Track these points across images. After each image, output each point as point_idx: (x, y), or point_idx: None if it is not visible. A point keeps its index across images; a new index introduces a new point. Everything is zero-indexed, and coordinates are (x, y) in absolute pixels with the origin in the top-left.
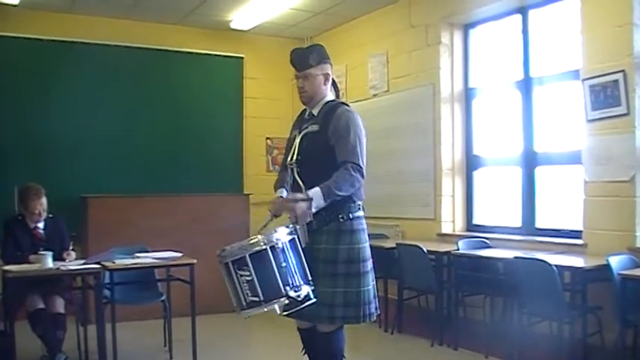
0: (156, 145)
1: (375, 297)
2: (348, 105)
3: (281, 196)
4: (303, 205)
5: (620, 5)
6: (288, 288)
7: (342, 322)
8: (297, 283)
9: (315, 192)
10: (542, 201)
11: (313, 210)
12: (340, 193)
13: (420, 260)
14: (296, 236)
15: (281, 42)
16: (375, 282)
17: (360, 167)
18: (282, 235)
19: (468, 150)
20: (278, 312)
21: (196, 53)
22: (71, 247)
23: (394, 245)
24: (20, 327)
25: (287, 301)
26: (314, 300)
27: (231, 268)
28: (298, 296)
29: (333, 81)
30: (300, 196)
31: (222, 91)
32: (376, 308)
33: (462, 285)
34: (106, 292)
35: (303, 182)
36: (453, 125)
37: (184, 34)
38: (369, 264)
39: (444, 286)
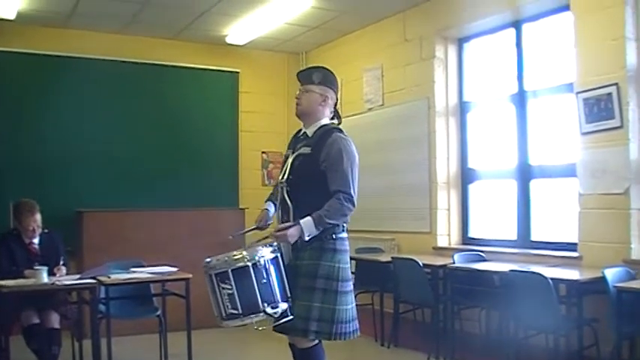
0: (151, 159)
1: (354, 319)
2: (342, 131)
3: (266, 209)
4: (293, 231)
5: (613, 19)
6: (266, 304)
7: (314, 337)
8: (276, 300)
9: (307, 221)
10: (538, 214)
11: (306, 238)
12: (331, 222)
13: (416, 274)
14: (279, 254)
15: (276, 56)
16: (355, 304)
17: (352, 196)
18: (265, 253)
19: (463, 163)
20: (255, 327)
21: (192, 68)
22: (62, 262)
23: (390, 259)
24: (15, 342)
25: (264, 317)
26: (290, 317)
27: (214, 280)
28: (275, 313)
29: (336, 110)
30: (285, 225)
31: (218, 105)
32: (355, 330)
33: (457, 298)
34: (102, 307)
35: (291, 201)
36: (447, 139)
37: (180, 49)
38: (349, 285)
39: (440, 300)
